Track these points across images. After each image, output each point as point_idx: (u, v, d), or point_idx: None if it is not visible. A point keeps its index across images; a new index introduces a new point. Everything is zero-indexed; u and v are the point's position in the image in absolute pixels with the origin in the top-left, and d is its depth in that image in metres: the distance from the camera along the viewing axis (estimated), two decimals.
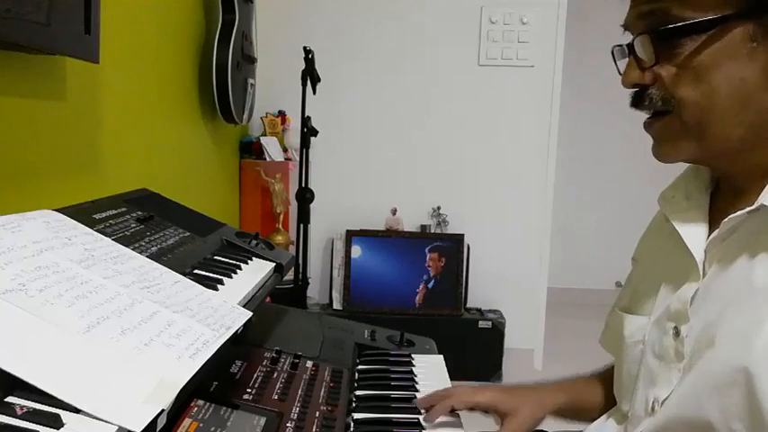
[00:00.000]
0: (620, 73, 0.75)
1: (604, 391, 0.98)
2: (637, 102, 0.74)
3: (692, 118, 0.69)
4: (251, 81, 2.50)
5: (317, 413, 0.79)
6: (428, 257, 2.96)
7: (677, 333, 0.74)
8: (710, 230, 0.75)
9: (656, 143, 0.75)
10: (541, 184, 3.06)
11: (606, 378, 0.99)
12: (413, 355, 1.11)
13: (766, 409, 0.62)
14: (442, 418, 0.89)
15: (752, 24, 0.65)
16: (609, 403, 0.96)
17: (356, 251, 2.96)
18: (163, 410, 0.52)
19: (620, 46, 0.75)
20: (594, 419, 0.97)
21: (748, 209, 0.67)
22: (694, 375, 0.71)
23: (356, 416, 0.87)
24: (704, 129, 0.69)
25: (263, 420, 0.72)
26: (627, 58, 0.74)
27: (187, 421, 0.66)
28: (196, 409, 0.69)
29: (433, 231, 3.03)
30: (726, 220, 0.70)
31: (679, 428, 0.72)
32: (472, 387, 0.92)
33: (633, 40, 0.72)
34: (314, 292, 3.05)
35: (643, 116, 0.75)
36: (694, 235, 0.76)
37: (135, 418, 0.50)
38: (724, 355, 0.67)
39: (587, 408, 0.97)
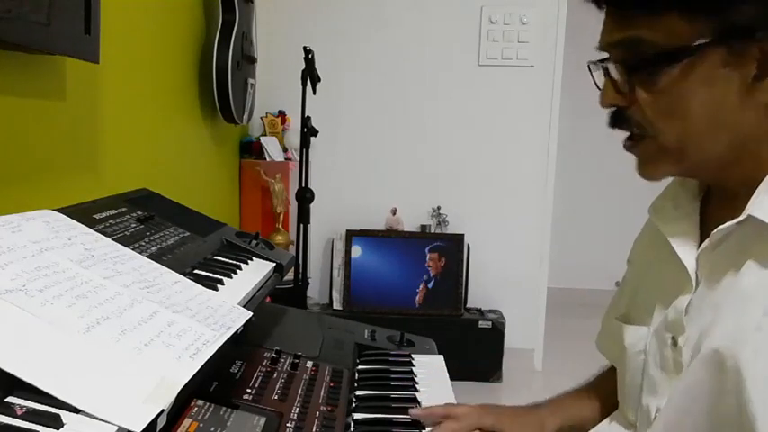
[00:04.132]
0: (597, 86, 0.75)
1: (599, 403, 0.98)
2: (615, 122, 0.74)
3: (669, 143, 0.70)
4: (251, 81, 2.50)
5: (317, 413, 0.79)
6: (428, 257, 2.96)
7: (675, 343, 0.75)
8: (702, 238, 0.75)
9: (638, 163, 0.75)
10: (541, 185, 3.06)
11: (599, 389, 0.99)
12: (413, 355, 1.11)
13: (753, 414, 0.62)
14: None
15: (725, 49, 0.64)
16: (604, 414, 0.96)
17: (356, 251, 2.96)
18: (163, 410, 0.52)
19: (596, 63, 0.74)
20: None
21: (736, 220, 0.67)
22: (685, 383, 0.71)
23: (356, 416, 0.87)
24: (683, 151, 0.70)
25: (263, 420, 0.72)
26: (602, 72, 0.73)
27: (187, 421, 0.66)
28: (196, 409, 0.69)
29: (433, 231, 3.03)
30: (715, 231, 0.70)
31: None
32: (473, 408, 0.91)
33: (608, 65, 0.71)
34: (314, 292, 3.05)
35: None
36: (685, 245, 0.76)
37: (135, 418, 0.50)
38: (713, 364, 0.67)
39: (582, 425, 0.97)
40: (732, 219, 0.68)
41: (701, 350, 0.69)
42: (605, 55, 0.73)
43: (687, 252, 0.75)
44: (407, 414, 0.90)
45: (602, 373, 1.02)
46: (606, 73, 0.72)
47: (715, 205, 0.78)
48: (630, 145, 0.74)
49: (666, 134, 0.69)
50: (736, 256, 0.69)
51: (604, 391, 0.97)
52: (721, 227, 0.69)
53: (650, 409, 0.78)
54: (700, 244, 0.75)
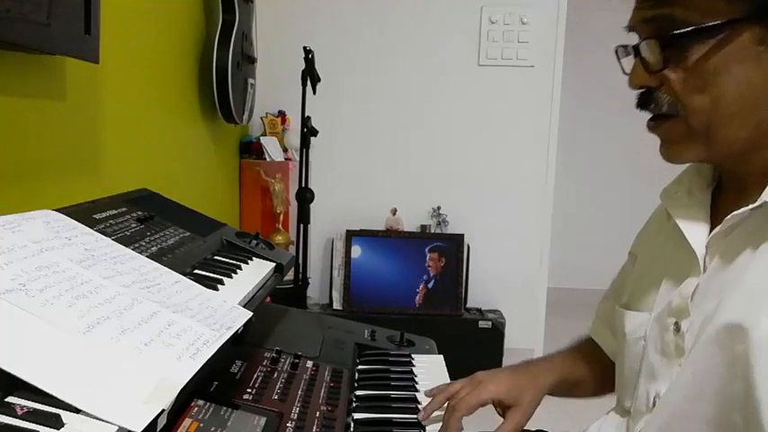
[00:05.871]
0: (624, 72, 0.75)
1: (585, 365, 1.01)
2: (643, 103, 0.74)
3: (698, 123, 0.69)
4: (251, 81, 2.50)
5: (317, 413, 0.79)
6: (428, 257, 2.96)
7: (678, 328, 0.75)
8: (712, 227, 0.76)
9: (664, 145, 0.75)
10: (541, 184, 3.06)
11: (584, 353, 1.03)
12: (413, 355, 1.11)
13: (760, 400, 0.62)
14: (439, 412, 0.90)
15: (760, 28, 0.64)
16: (592, 376, 0.99)
17: (356, 251, 2.95)
18: (163, 410, 0.52)
19: (625, 47, 0.75)
20: (580, 394, 1.01)
21: (752, 206, 0.68)
22: (692, 369, 0.71)
23: (356, 416, 0.87)
24: (711, 132, 0.69)
25: (263, 420, 0.72)
26: (631, 57, 0.73)
27: (187, 421, 0.66)
28: (196, 409, 0.69)
29: (433, 231, 3.03)
30: (729, 216, 0.70)
31: (678, 422, 0.72)
32: (470, 385, 0.92)
33: (640, 43, 0.71)
34: (314, 292, 3.05)
35: (645, 116, 0.75)
36: (696, 231, 0.76)
37: (135, 418, 0.50)
38: (722, 349, 0.67)
39: (575, 381, 1.00)
40: (744, 207, 0.69)
41: (712, 336, 0.68)
42: (633, 40, 0.73)
43: (697, 238, 0.76)
44: (412, 404, 0.91)
45: (579, 340, 1.06)
46: (637, 52, 0.72)
47: (726, 194, 0.78)
48: (655, 125, 0.74)
49: (696, 113, 0.69)
50: (748, 243, 0.69)
51: (588, 353, 1.02)
52: (736, 212, 0.69)
53: (648, 395, 0.79)
54: (710, 231, 0.75)
